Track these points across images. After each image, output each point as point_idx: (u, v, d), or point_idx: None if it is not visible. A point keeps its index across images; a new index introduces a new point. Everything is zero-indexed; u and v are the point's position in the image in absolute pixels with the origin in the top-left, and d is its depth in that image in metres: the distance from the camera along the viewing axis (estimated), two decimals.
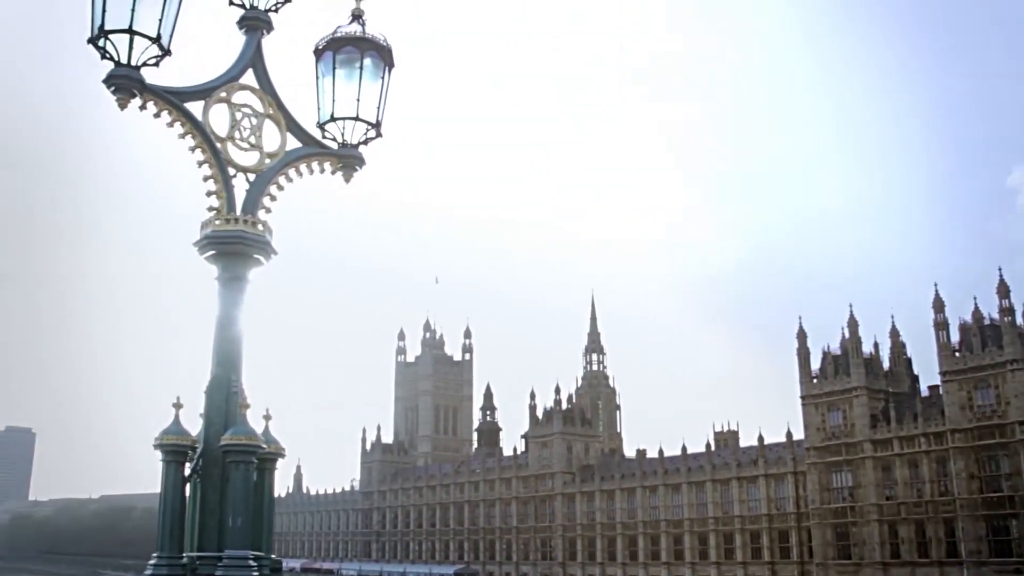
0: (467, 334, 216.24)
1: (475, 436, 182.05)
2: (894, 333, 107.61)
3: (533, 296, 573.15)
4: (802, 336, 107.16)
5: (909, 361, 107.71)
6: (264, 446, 6.84)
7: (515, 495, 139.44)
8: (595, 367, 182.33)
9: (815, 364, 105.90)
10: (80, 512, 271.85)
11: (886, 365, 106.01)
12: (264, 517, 7.03)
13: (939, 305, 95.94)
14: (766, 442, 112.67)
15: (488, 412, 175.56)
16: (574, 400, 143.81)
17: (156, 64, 6.51)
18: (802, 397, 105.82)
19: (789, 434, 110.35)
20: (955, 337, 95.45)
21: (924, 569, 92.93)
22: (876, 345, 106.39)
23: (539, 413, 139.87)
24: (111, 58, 6.35)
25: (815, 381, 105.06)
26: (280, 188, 7.52)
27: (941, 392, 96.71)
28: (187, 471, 6.86)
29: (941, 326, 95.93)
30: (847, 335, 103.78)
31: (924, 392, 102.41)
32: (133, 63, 6.40)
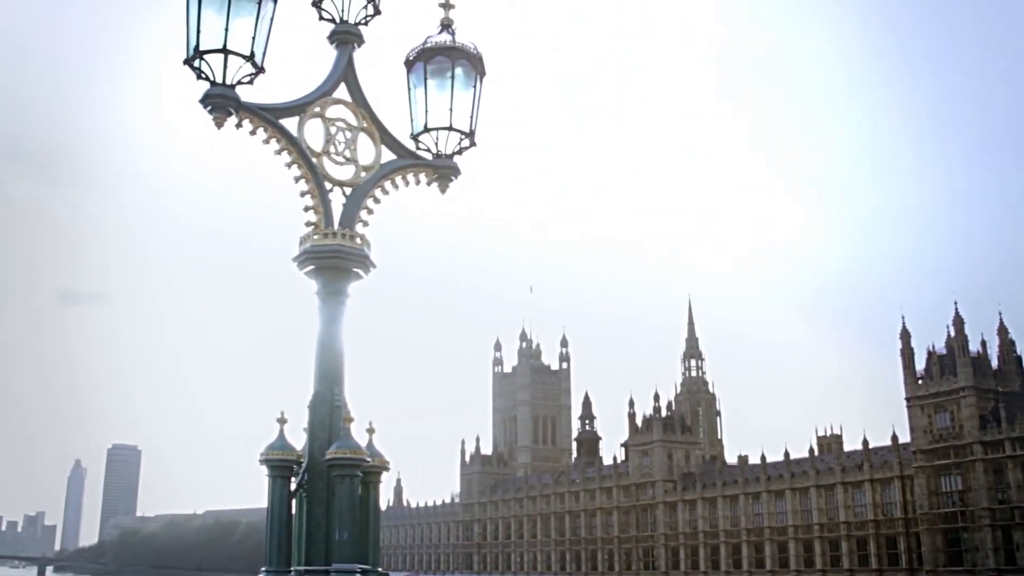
0: (563, 343, 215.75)
1: (574, 446, 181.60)
2: (1002, 330, 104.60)
3: (629, 303, 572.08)
4: (906, 336, 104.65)
5: (1019, 359, 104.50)
6: (368, 459, 6.83)
7: (616, 504, 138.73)
8: (694, 373, 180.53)
9: (920, 364, 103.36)
10: (186, 527, 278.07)
11: (995, 364, 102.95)
12: (370, 530, 7.01)
13: None
14: (871, 445, 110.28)
15: (587, 421, 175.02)
16: (673, 407, 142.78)
17: (251, 82, 6.54)
18: (907, 399, 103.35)
19: (895, 437, 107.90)
20: None
21: None
22: (983, 343, 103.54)
23: (638, 421, 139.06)
24: (207, 78, 6.42)
25: (920, 382, 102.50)
26: (377, 201, 7.51)
27: None
28: (293, 486, 6.89)
29: None
30: (952, 333, 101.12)
31: None
32: (228, 82, 6.44)
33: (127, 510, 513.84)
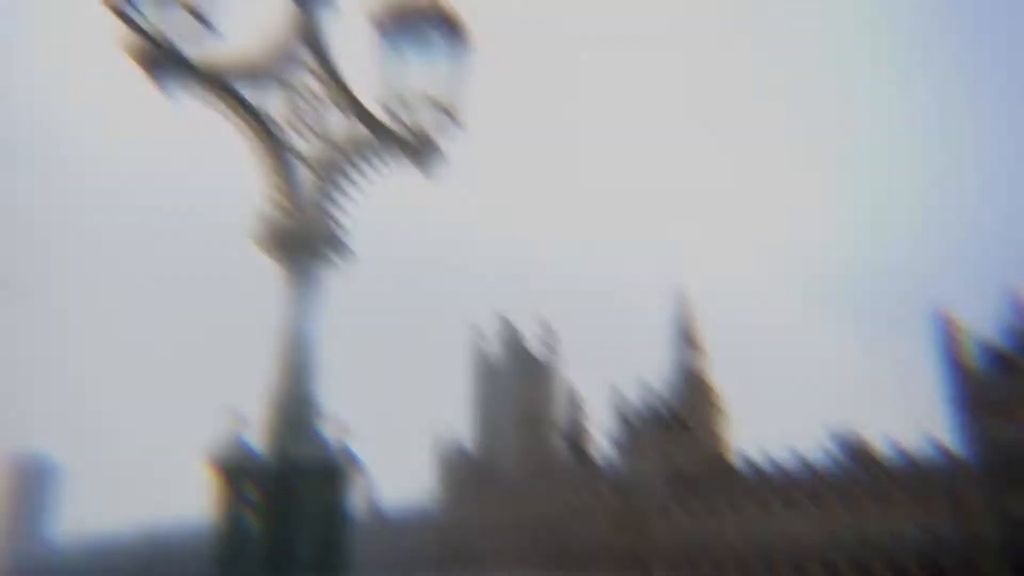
0: (552, 335, 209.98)
1: (561, 444, 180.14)
2: None
3: (621, 293, 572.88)
4: (947, 328, 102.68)
5: None
6: (338, 461, 6.19)
7: (607, 506, 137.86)
8: (692, 367, 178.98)
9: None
10: (113, 549, 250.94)
11: None
12: (339, 537, 6.36)
13: None
14: (877, 443, 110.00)
15: (576, 417, 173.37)
16: (670, 403, 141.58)
17: (208, 47, 5.91)
18: (947, 399, 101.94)
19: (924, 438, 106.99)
20: None
21: None
22: None
23: (631, 418, 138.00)
24: (148, 36, 5.75)
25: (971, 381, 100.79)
26: (349, 179, 6.86)
27: None
28: (250, 492, 6.19)
29: None
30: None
31: None
32: (176, 43, 5.80)
33: (34, 533, 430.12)
